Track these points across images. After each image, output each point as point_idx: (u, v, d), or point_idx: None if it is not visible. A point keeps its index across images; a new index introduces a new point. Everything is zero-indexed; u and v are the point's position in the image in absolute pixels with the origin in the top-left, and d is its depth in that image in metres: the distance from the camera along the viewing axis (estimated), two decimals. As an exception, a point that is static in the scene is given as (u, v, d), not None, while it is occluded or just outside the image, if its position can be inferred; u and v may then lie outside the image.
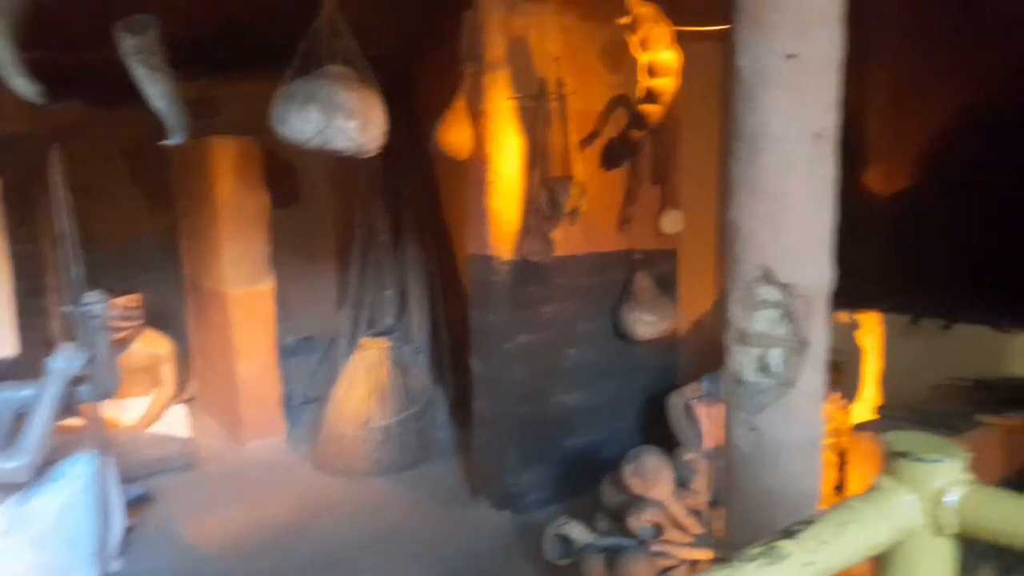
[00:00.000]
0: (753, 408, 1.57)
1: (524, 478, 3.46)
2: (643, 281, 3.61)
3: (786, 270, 1.51)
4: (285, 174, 4.83)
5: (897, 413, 2.81)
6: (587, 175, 3.35)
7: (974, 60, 4.67)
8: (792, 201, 1.44)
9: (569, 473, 3.55)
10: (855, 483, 2.68)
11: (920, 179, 4.57)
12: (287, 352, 4.84)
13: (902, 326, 3.54)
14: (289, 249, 4.90)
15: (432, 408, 4.27)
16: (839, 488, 3.09)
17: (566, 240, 3.40)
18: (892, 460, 0.96)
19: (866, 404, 3.64)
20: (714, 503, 2.94)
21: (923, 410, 2.83)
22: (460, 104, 3.21)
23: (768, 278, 1.50)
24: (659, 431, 3.55)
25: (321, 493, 3.79)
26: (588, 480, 3.27)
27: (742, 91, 1.41)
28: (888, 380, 3.59)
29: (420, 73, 4.71)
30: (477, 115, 3.22)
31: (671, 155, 3.68)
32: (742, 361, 1.57)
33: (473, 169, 3.33)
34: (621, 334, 3.64)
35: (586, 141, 3.37)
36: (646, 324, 3.56)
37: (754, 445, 1.59)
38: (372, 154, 2.83)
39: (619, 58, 3.32)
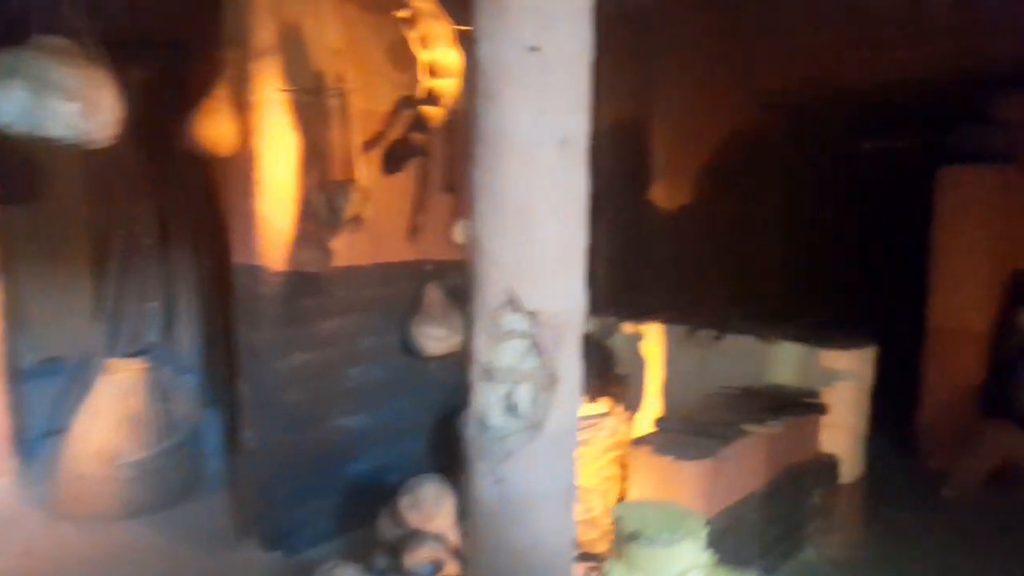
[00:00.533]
0: (498, 456, 1.41)
1: (298, 513, 3.12)
2: (433, 293, 3.43)
3: (533, 295, 1.36)
4: (22, 164, 4.09)
5: (673, 425, 2.85)
6: (372, 180, 3.11)
7: (744, 85, 5.03)
8: (538, 216, 1.30)
9: (351, 503, 3.27)
10: (634, 497, 2.67)
11: (699, 194, 4.83)
12: (25, 376, 4.09)
13: (680, 337, 3.66)
14: (29, 253, 4.16)
15: (199, 437, 3.78)
16: (622, 500, 3.10)
17: (348, 249, 3.13)
18: (622, 543, 0.82)
19: (649, 414, 3.72)
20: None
21: (696, 421, 2.89)
22: (221, 94, 2.84)
23: (514, 305, 1.35)
24: (453, 452, 3.38)
25: (55, 544, 3.19)
26: (373, 509, 3.01)
27: (483, 87, 1.25)
28: (668, 390, 3.70)
29: (197, 60, 4.20)
30: (242, 107, 2.87)
31: (463, 161, 3.54)
32: (487, 401, 1.41)
33: (238, 168, 2.96)
34: (410, 350, 3.43)
35: (371, 143, 3.13)
36: (436, 339, 3.37)
37: (499, 498, 1.43)
38: (103, 145, 2.38)
39: (407, 56, 3.12)
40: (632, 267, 4.55)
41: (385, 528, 2.72)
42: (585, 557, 3.04)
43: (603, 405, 3.21)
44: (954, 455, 3.88)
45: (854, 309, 4.42)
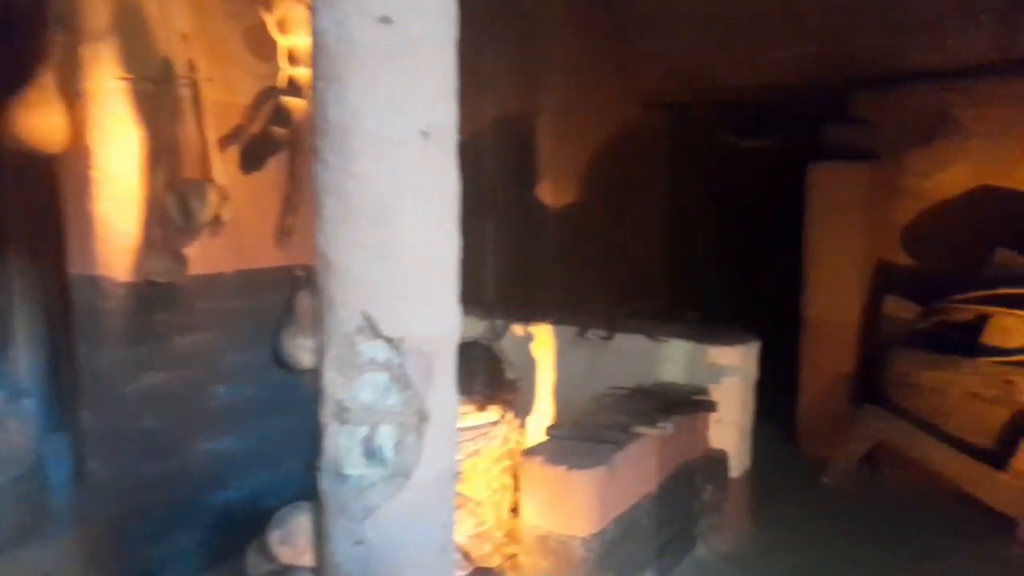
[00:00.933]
0: (358, 512, 1.21)
1: (158, 550, 2.80)
2: (307, 302, 3.16)
3: (395, 319, 1.18)
4: None
5: (564, 432, 2.75)
6: (232, 179, 2.82)
7: (627, 84, 5.04)
8: (397, 223, 1.11)
9: (223, 535, 2.97)
10: (527, 510, 2.55)
11: (585, 193, 4.80)
12: None
13: (570, 338, 3.57)
14: None
15: (41, 470, 3.34)
16: (515, 511, 2.97)
17: (207, 256, 2.83)
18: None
19: (541, 418, 3.61)
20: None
21: (587, 426, 2.81)
22: (47, 82, 2.47)
23: (371, 330, 1.16)
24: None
25: None
26: (249, 540, 2.74)
27: (324, 68, 1.06)
28: (560, 392, 3.61)
29: (19, 43, 3.72)
30: (73, 97, 2.51)
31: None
32: (343, 446, 1.21)
33: (73, 166, 2.60)
34: (284, 363, 3.16)
35: (228, 138, 2.84)
36: (312, 351, 3.11)
37: (361, 562, 1.23)
38: None
39: (267, 42, 2.85)
40: (521, 267, 4.44)
41: (255, 564, 2.45)
42: (479, 573, 2.90)
43: (493, 413, 3.07)
44: (831, 443, 4.01)
45: (737, 304, 4.51)
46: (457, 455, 1.35)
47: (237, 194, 2.80)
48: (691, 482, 3.15)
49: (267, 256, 3.08)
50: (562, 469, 2.46)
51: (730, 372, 3.24)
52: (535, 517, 2.52)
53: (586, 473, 2.44)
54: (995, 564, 3.22)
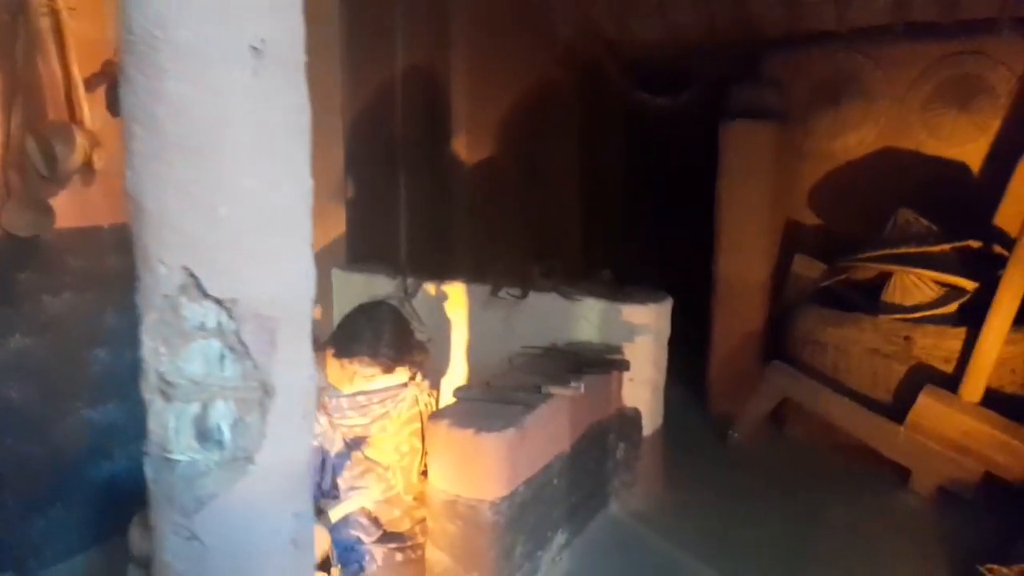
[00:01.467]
0: (190, 504, 1.05)
1: (31, 528, 2.56)
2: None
3: (226, 277, 1.00)
4: None
5: (472, 394, 2.65)
6: (106, 122, 2.54)
7: (541, 42, 4.90)
8: (226, 161, 0.92)
9: (106, 510, 2.75)
10: (435, 474, 2.45)
11: (499, 149, 4.66)
12: None
13: (483, 297, 3.47)
14: None
15: None
16: (425, 474, 2.87)
17: (79, 208, 2.56)
18: None
19: (455, 379, 3.51)
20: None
21: (497, 387, 2.72)
22: None
23: (197, 290, 0.98)
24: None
25: None
26: (132, 514, 2.53)
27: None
28: (473, 353, 3.51)
29: None
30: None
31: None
32: (169, 426, 1.04)
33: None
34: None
35: (99, 77, 2.55)
36: (203, 312, 2.90)
37: (195, 562, 1.07)
38: None
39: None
40: (434, 224, 4.28)
41: (138, 539, 2.27)
42: (388, 537, 2.80)
43: (402, 375, 2.94)
44: (741, 401, 4.08)
45: (651, 264, 4.50)
46: (312, 434, 1.20)
47: (113, 140, 2.52)
48: (604, 441, 3.12)
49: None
50: (470, 432, 2.36)
51: (643, 331, 3.21)
52: (443, 481, 2.43)
53: (495, 436, 2.36)
54: (893, 513, 3.35)
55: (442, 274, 3.65)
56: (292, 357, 1.08)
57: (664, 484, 3.43)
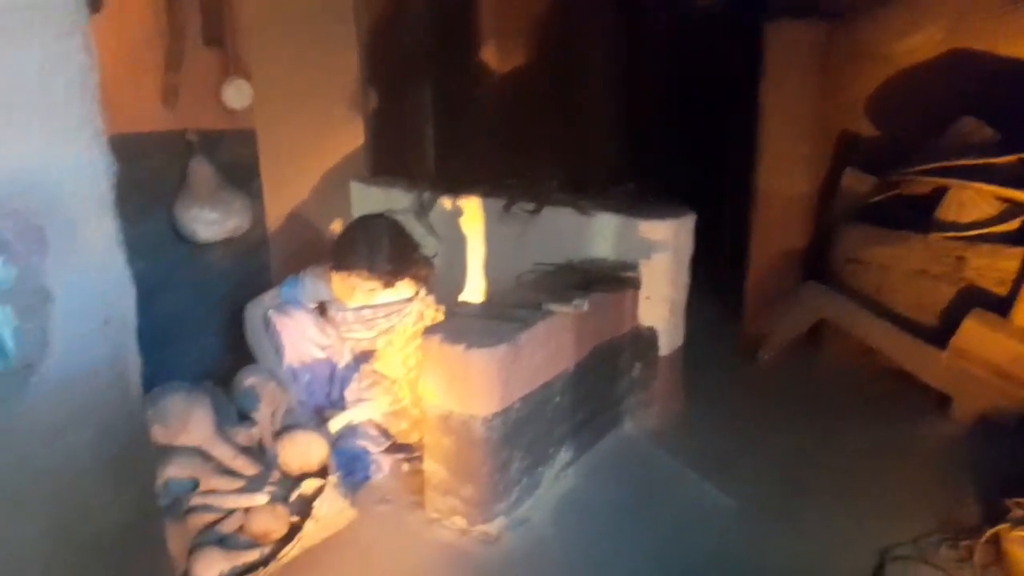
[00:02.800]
0: None
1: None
2: (201, 170, 2.91)
3: None
4: None
5: (469, 310, 2.59)
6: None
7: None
8: None
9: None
10: (428, 390, 2.42)
11: (528, 57, 4.42)
12: None
13: (498, 212, 3.36)
14: None
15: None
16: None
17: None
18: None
19: (472, 295, 3.46)
20: (281, 432, 2.51)
21: (497, 304, 2.65)
22: None
23: None
24: (246, 351, 3.01)
25: None
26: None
27: None
28: (488, 269, 3.43)
29: None
30: None
31: (227, 6, 2.93)
32: None
33: None
34: (181, 237, 2.95)
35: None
36: (208, 223, 2.90)
37: None
38: None
39: None
40: (457, 136, 4.15)
41: None
42: (396, 448, 2.84)
43: (407, 289, 2.90)
44: (776, 321, 3.90)
45: (684, 175, 4.27)
46: (129, 346, 1.12)
47: (100, 46, 2.47)
48: (617, 360, 3.04)
49: (151, 119, 2.79)
50: (460, 348, 2.31)
51: (661, 247, 3.06)
52: (436, 396, 2.40)
53: (486, 352, 2.30)
54: (924, 442, 3.18)
55: (460, 188, 3.55)
56: (76, 258, 1.01)
57: (683, 404, 3.33)
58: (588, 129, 4.50)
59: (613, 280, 2.95)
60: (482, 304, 2.72)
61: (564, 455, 2.77)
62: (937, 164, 3.59)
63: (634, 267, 3.07)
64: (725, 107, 4.60)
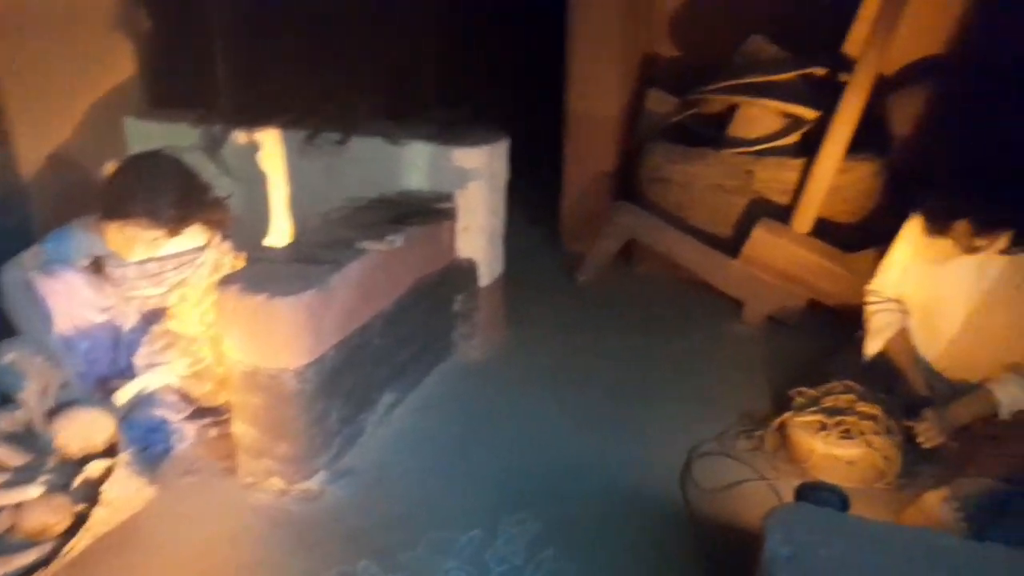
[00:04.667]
0: None
1: None
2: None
3: None
4: None
5: (272, 255, 2.39)
6: None
7: None
8: None
9: None
10: (230, 345, 2.21)
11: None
12: None
13: (300, 144, 3.10)
14: None
15: None
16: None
17: None
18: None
19: (277, 238, 3.21)
20: (56, 411, 2.20)
21: (303, 244, 2.46)
22: None
23: None
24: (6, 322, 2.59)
25: None
26: None
27: None
28: (294, 207, 3.19)
29: None
30: None
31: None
32: None
33: None
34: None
35: None
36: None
37: None
38: None
39: None
40: (254, 60, 3.74)
41: None
42: (201, 412, 2.60)
43: (196, 237, 2.62)
44: (592, 241, 4.01)
45: (498, 100, 4.19)
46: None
47: None
48: (437, 294, 2.97)
49: None
50: (262, 297, 2.12)
51: (476, 175, 2.98)
52: (239, 352, 2.20)
53: (292, 300, 2.13)
54: (726, 339, 3.46)
55: (257, 119, 3.23)
56: None
57: (507, 332, 3.36)
58: (399, 54, 4.25)
59: (428, 212, 2.85)
60: (287, 247, 2.51)
61: (388, 397, 2.70)
62: (727, 83, 3.77)
63: (449, 197, 2.98)
64: (538, 31, 4.53)
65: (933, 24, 3.98)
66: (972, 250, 2.39)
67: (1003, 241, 2.34)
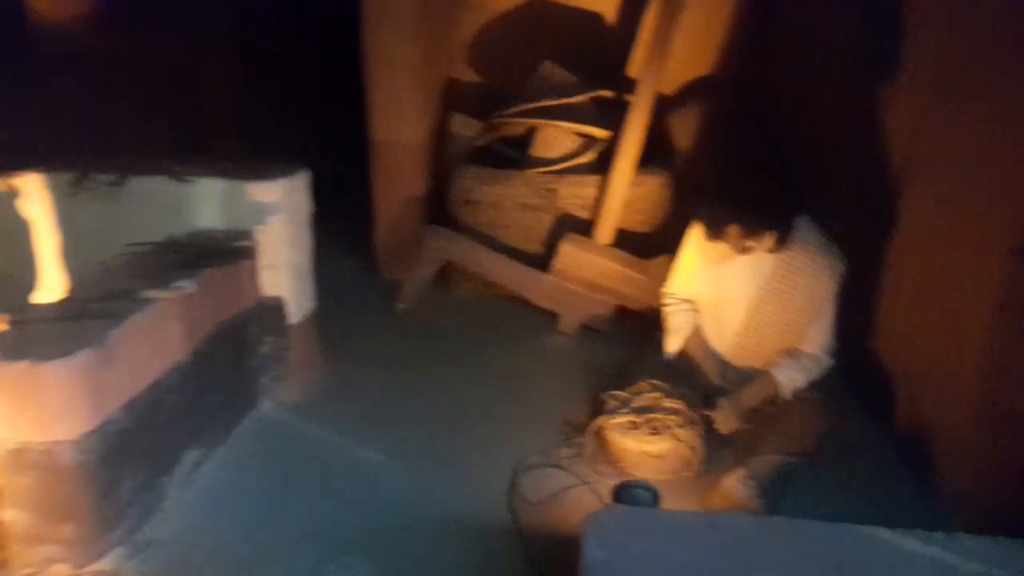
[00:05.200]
0: None
1: None
2: None
3: None
4: None
5: (38, 314, 2.13)
6: None
7: None
8: None
9: None
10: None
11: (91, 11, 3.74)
12: None
13: (69, 187, 2.81)
14: None
15: None
16: None
17: None
18: None
19: (49, 295, 2.87)
20: None
21: (76, 299, 2.22)
22: None
23: None
24: None
25: None
26: None
27: None
28: (68, 259, 2.88)
29: None
30: None
31: None
32: None
33: None
34: None
35: None
36: None
37: None
38: None
39: None
40: (15, 99, 3.36)
41: None
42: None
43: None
44: (409, 268, 3.98)
45: (314, 134, 4.08)
46: None
47: None
48: (241, 337, 2.80)
49: None
50: (25, 364, 1.87)
51: (275, 210, 2.85)
52: (3, 428, 1.93)
53: (61, 363, 1.90)
54: (545, 352, 3.56)
55: (13, 164, 2.88)
56: None
57: (324, 370, 3.24)
58: (185, 89, 4.01)
59: (224, 252, 2.68)
60: (58, 304, 2.25)
61: (192, 455, 2.49)
62: (524, 107, 3.93)
63: (248, 235, 2.83)
64: (345, 60, 4.44)
65: (705, 47, 4.42)
66: (745, 251, 2.64)
67: (769, 241, 2.61)
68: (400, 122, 4.10)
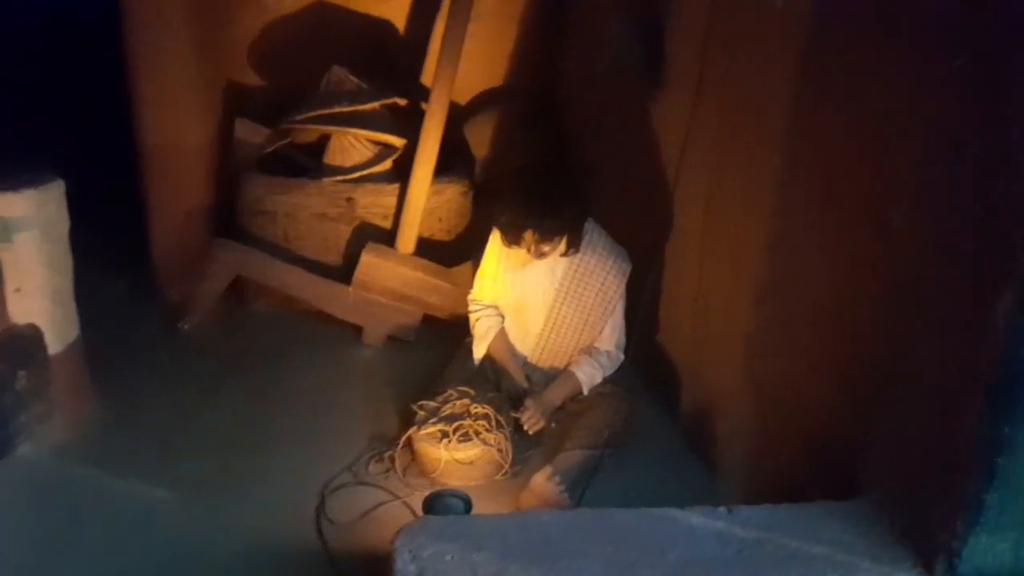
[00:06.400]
0: None
1: None
2: None
3: None
4: None
5: None
6: None
7: None
8: None
9: None
10: None
11: None
12: None
13: None
14: None
15: None
16: None
17: None
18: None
19: None
20: None
21: None
22: None
23: None
24: None
25: None
26: None
27: None
28: None
29: None
30: None
31: None
32: None
33: None
34: None
35: None
36: None
37: None
38: None
39: None
40: None
41: None
42: None
43: None
44: (190, 284, 3.66)
45: (60, 138, 3.59)
46: None
47: None
48: (-13, 375, 2.40)
49: None
50: None
51: (24, 225, 2.49)
52: None
53: None
54: (349, 366, 3.44)
55: None
56: None
57: (97, 404, 2.87)
58: None
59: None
60: None
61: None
62: (316, 112, 3.77)
63: (-12, 255, 2.43)
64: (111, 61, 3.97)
65: (498, 56, 4.53)
66: (541, 255, 2.74)
67: (562, 246, 2.73)
68: (175, 124, 3.75)
